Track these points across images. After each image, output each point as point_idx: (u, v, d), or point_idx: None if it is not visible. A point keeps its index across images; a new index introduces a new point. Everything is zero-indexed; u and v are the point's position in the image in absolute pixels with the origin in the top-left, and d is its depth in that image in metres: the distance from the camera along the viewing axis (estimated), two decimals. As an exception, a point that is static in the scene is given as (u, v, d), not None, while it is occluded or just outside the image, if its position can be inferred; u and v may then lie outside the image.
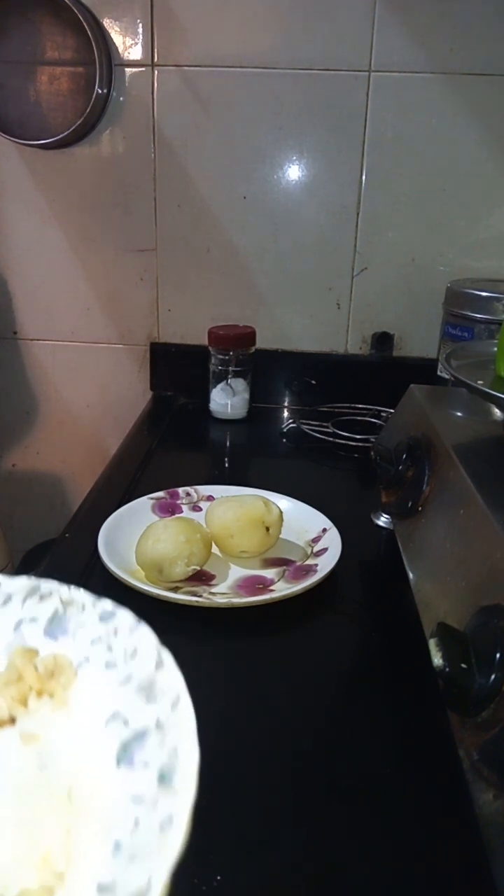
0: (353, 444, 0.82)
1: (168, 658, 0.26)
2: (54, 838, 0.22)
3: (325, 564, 0.54)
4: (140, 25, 0.84)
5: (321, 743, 0.40)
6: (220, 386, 0.90)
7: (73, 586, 0.32)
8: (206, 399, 0.92)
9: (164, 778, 0.22)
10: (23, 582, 0.33)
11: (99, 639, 0.29)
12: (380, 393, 0.91)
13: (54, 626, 0.31)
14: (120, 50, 0.85)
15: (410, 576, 0.46)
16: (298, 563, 0.56)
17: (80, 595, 0.31)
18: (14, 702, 0.28)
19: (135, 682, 0.26)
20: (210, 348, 0.89)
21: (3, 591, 0.33)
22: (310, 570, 0.54)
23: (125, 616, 0.29)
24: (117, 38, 0.85)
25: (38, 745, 0.27)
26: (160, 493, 0.64)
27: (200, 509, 0.63)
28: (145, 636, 0.28)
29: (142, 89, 0.87)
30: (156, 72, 0.86)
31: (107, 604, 0.30)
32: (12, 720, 0.28)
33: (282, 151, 0.88)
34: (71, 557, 0.57)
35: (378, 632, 0.50)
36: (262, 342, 0.92)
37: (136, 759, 0.23)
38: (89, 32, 0.80)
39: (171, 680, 0.25)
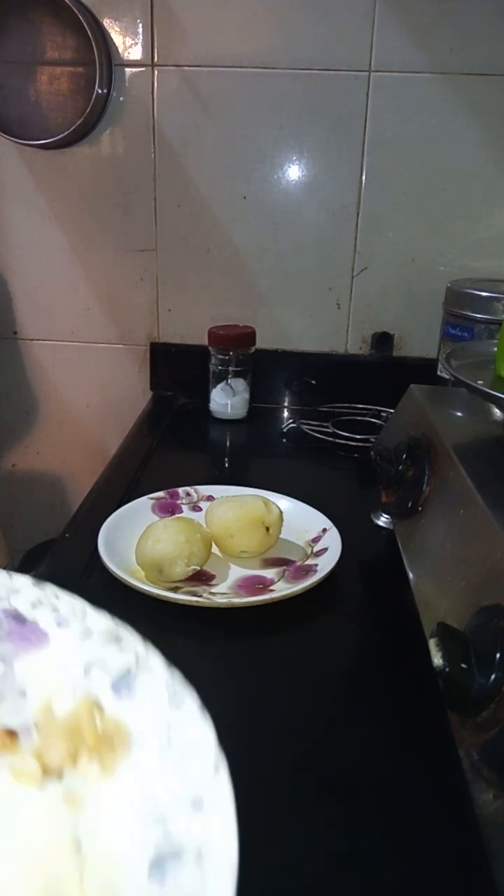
0: (353, 444, 0.82)
1: (223, 766, 0.25)
2: None
3: (325, 564, 0.54)
4: (140, 25, 0.84)
5: (321, 743, 0.40)
6: (220, 386, 0.90)
7: (149, 645, 0.30)
8: (206, 399, 0.92)
9: None
10: (106, 621, 0.32)
11: (163, 723, 0.28)
12: (380, 393, 0.91)
13: (122, 684, 0.29)
14: (120, 50, 0.85)
15: (410, 576, 0.46)
16: (298, 563, 0.56)
17: (155, 659, 0.30)
18: (67, 755, 0.26)
19: (185, 785, 0.25)
20: (210, 348, 0.89)
21: (86, 623, 0.32)
22: (310, 570, 0.54)
23: (191, 700, 0.28)
24: (117, 38, 0.85)
25: (78, 816, 0.25)
26: (160, 493, 0.64)
27: (200, 509, 0.63)
28: (205, 731, 0.26)
29: (142, 89, 0.87)
30: (156, 72, 0.86)
31: (178, 685, 0.28)
32: (59, 774, 0.26)
33: (282, 151, 0.88)
34: (71, 557, 0.57)
35: (378, 632, 0.50)
36: (262, 342, 0.92)
37: (168, 880, 0.22)
38: (89, 32, 0.80)
39: (222, 797, 0.24)
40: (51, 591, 0.33)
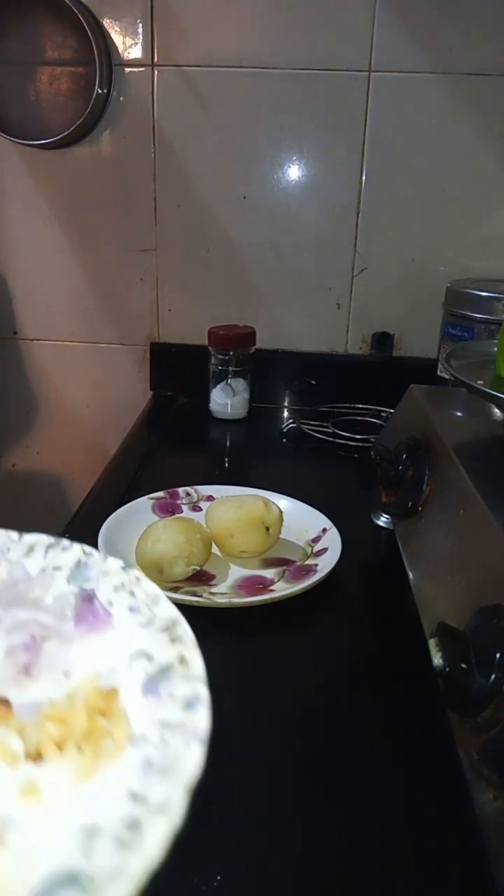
0: (353, 444, 0.82)
1: (176, 810, 0.22)
2: None
3: (325, 564, 0.54)
4: (140, 25, 0.84)
5: (321, 743, 0.39)
6: (220, 386, 0.90)
7: (196, 647, 0.29)
8: (206, 399, 0.92)
9: None
10: (169, 610, 0.31)
11: (167, 724, 0.26)
12: (380, 393, 0.91)
13: (157, 680, 0.28)
14: (120, 50, 0.85)
15: (410, 576, 0.46)
16: (298, 563, 0.56)
17: (196, 661, 0.28)
18: (50, 741, 0.25)
19: (136, 808, 0.23)
20: (210, 348, 0.89)
21: (154, 611, 0.32)
22: (310, 570, 0.54)
23: (201, 719, 0.26)
24: (117, 38, 0.85)
25: (24, 807, 0.23)
26: (160, 493, 0.64)
27: (200, 509, 0.63)
28: (191, 762, 0.24)
29: (142, 89, 0.87)
30: (156, 72, 0.86)
31: (202, 689, 0.27)
32: (39, 757, 0.25)
33: (282, 151, 0.88)
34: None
35: (378, 632, 0.50)
36: (262, 342, 0.92)
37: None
38: (89, 32, 0.80)
39: (152, 845, 0.21)
40: (133, 576, 0.33)
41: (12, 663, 0.28)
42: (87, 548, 0.35)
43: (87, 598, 0.33)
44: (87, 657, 0.30)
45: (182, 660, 0.29)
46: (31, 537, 0.37)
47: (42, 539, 0.36)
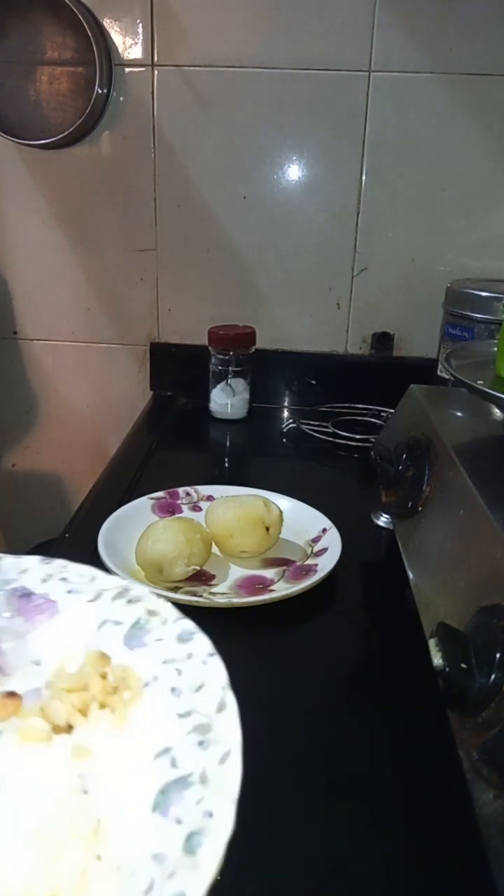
0: (353, 444, 0.82)
1: (231, 703, 0.26)
2: (69, 875, 0.21)
3: (325, 564, 0.54)
4: (140, 25, 0.84)
5: (321, 743, 0.39)
6: (220, 386, 0.90)
7: (161, 598, 0.31)
8: (206, 399, 0.92)
9: (190, 844, 0.21)
10: (115, 581, 0.33)
11: (172, 660, 0.29)
12: (380, 393, 0.91)
13: (134, 635, 0.30)
14: (120, 50, 0.85)
15: (410, 576, 0.46)
16: (298, 563, 0.56)
17: (165, 608, 0.31)
18: (74, 710, 0.28)
19: (194, 718, 0.26)
20: (210, 348, 0.89)
21: (95, 586, 0.33)
22: (310, 570, 0.54)
23: (202, 642, 0.29)
24: (117, 37, 0.85)
25: (86, 764, 0.26)
26: (160, 493, 0.64)
27: (200, 509, 0.63)
28: (216, 670, 0.27)
29: (142, 89, 0.87)
30: (156, 72, 0.86)
31: (188, 623, 0.30)
32: (69, 728, 0.27)
33: (282, 151, 0.88)
34: (71, 557, 0.57)
35: (378, 632, 0.50)
36: (262, 342, 0.92)
37: (171, 810, 0.23)
38: (89, 32, 0.80)
39: (229, 729, 0.25)
40: (59, 565, 0.34)
41: None
42: None
43: (24, 594, 0.33)
44: (51, 642, 0.31)
45: (151, 612, 0.31)
46: None
47: None
